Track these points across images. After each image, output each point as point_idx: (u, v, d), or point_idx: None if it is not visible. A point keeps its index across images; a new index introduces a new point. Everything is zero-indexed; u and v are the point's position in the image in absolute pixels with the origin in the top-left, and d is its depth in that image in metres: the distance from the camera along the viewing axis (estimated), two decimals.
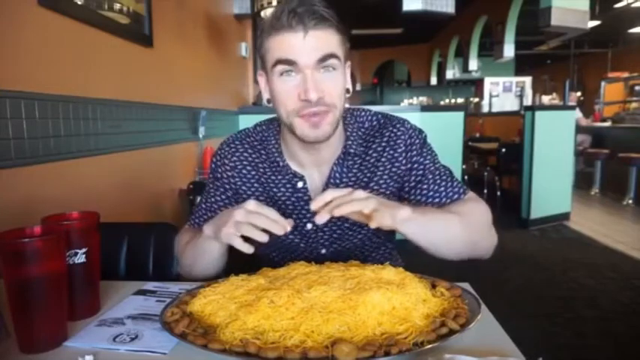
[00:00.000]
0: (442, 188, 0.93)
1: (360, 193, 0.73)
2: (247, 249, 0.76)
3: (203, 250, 0.88)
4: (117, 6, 1.83)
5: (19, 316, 0.64)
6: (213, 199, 1.00)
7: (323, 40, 0.81)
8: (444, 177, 0.94)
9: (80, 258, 0.75)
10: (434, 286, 0.75)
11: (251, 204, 0.77)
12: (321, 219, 0.72)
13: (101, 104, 1.67)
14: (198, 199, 2.24)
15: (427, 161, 0.95)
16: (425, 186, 0.93)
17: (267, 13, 3.05)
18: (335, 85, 0.84)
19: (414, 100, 11.62)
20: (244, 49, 3.83)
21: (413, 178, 0.94)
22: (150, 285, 0.89)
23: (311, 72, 0.81)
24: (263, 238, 0.75)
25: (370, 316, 0.61)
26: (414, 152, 0.94)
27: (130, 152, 1.91)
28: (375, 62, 12.19)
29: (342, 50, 0.85)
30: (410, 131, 0.95)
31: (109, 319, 0.74)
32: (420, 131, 0.98)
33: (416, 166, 0.94)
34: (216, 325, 0.65)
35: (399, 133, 0.94)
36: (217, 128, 3.08)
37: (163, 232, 1.14)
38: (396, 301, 0.64)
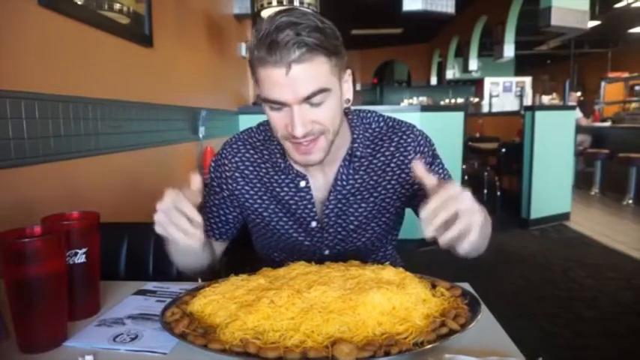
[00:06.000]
0: None
1: (455, 192, 0.63)
2: (182, 239, 0.71)
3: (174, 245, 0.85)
4: (117, 6, 1.83)
5: (19, 316, 0.64)
6: (206, 198, 1.01)
7: (308, 73, 0.75)
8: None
9: (80, 258, 0.75)
10: (434, 286, 0.75)
11: (166, 200, 0.70)
12: (429, 234, 0.62)
13: (101, 104, 1.67)
14: None
15: (440, 170, 0.97)
16: None
17: (267, 13, 3.04)
18: (326, 113, 0.80)
19: (414, 100, 11.60)
20: (244, 49, 3.82)
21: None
22: (150, 285, 0.89)
23: (298, 107, 0.77)
24: (182, 239, 0.71)
25: (370, 316, 0.61)
26: (424, 160, 0.94)
27: (130, 152, 1.91)
28: (375, 62, 12.18)
29: (334, 75, 0.79)
30: (419, 138, 0.95)
31: (109, 319, 0.74)
32: (430, 140, 0.97)
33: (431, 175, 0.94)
34: (216, 325, 0.65)
35: (409, 140, 0.94)
36: (217, 128, 3.08)
37: None
38: (396, 301, 0.64)
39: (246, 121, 3.56)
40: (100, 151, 1.67)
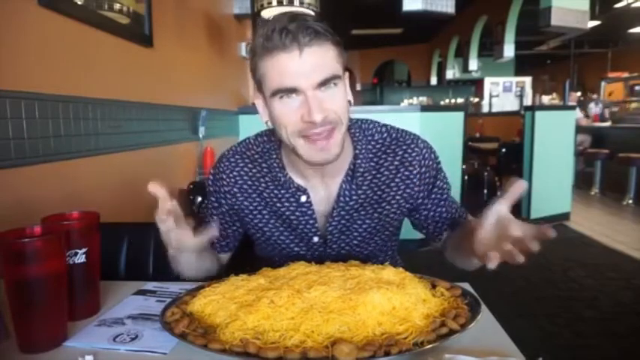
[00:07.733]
0: (455, 205, 0.99)
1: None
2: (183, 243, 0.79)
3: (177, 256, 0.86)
4: (117, 6, 1.83)
5: (19, 316, 0.64)
6: (208, 212, 1.00)
7: (320, 57, 0.76)
8: (451, 197, 0.99)
9: (80, 258, 0.75)
10: (434, 286, 0.75)
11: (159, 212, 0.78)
12: (493, 265, 0.64)
13: (101, 104, 1.67)
14: (199, 199, 2.22)
15: (444, 184, 0.97)
16: (443, 208, 0.97)
17: (267, 13, 3.04)
18: (338, 100, 0.80)
19: (414, 100, 11.60)
20: (244, 49, 3.82)
21: (432, 200, 0.95)
22: (150, 285, 0.89)
23: (312, 92, 0.76)
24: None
25: (370, 316, 0.61)
26: (428, 174, 0.93)
27: (130, 152, 1.91)
28: (375, 62, 12.19)
29: (340, 64, 0.81)
30: (424, 151, 0.93)
31: (109, 319, 0.74)
32: (435, 152, 0.96)
33: (435, 190, 0.95)
34: (216, 325, 0.65)
35: (413, 154, 0.92)
36: (217, 128, 3.08)
37: None
38: (396, 301, 0.64)
39: (246, 121, 3.56)
40: (100, 151, 1.67)
